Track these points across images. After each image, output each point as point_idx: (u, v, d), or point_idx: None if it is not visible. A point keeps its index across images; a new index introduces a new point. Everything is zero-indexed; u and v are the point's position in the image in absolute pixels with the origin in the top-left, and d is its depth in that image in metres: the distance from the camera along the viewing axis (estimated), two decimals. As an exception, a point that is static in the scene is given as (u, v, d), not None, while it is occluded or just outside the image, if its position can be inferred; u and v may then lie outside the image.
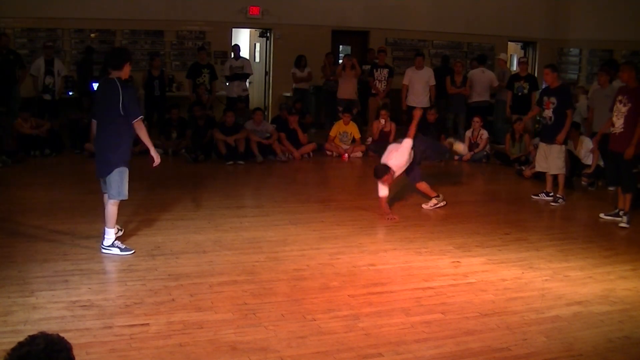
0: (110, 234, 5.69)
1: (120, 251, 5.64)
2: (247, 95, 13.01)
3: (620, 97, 7.30)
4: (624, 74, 7.33)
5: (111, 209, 5.69)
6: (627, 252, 6.37)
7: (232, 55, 12.83)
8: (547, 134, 8.26)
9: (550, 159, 8.21)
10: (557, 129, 8.09)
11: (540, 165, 8.46)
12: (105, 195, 5.75)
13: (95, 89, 6.10)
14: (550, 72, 8.30)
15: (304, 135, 11.14)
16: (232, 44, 13.25)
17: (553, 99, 8.13)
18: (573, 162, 9.19)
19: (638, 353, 4.20)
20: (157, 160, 5.86)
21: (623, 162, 7.25)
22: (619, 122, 7.26)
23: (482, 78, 12.20)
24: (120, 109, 5.55)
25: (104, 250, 5.65)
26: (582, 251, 6.28)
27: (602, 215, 7.57)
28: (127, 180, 5.71)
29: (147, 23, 13.39)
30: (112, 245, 5.66)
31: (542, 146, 8.39)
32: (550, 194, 8.32)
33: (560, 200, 8.17)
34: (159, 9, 13.32)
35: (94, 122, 5.86)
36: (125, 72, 5.74)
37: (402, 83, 12.02)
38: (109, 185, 5.67)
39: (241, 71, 12.61)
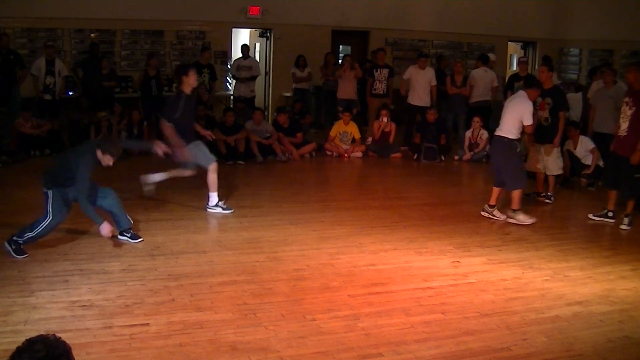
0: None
1: (223, 210, 7.15)
2: (254, 97, 13.05)
3: (626, 99, 7.16)
4: (630, 75, 7.10)
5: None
6: (627, 252, 6.37)
7: (241, 55, 12.85)
8: (543, 135, 8.09)
9: (550, 161, 8.15)
10: (554, 130, 8.01)
11: (530, 166, 8.30)
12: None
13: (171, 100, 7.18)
14: (545, 71, 8.06)
15: (299, 134, 11.12)
16: (242, 44, 13.31)
17: (549, 100, 7.98)
18: (573, 162, 9.19)
19: (638, 353, 4.20)
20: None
21: (625, 167, 7.15)
22: (624, 125, 7.15)
23: (485, 77, 12.20)
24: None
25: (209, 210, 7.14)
26: (582, 251, 6.28)
27: (590, 215, 7.55)
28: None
29: (147, 23, 13.38)
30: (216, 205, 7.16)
31: (537, 146, 8.24)
32: (542, 194, 8.31)
33: (550, 199, 8.22)
34: (159, 9, 13.31)
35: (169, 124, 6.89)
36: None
37: (402, 77, 12.01)
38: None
39: (249, 70, 12.63)
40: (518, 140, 7.37)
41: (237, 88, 12.74)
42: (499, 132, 7.29)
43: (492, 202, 7.38)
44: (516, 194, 7.21)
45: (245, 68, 12.64)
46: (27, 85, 11.23)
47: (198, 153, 7.13)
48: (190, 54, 13.62)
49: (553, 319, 4.62)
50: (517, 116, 7.17)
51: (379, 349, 4.05)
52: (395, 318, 4.53)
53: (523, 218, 7.20)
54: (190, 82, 7.05)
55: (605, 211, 7.47)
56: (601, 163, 9.01)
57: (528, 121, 7.17)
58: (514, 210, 7.23)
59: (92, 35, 13.02)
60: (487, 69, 12.31)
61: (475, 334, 4.32)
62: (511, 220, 7.21)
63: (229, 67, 13.69)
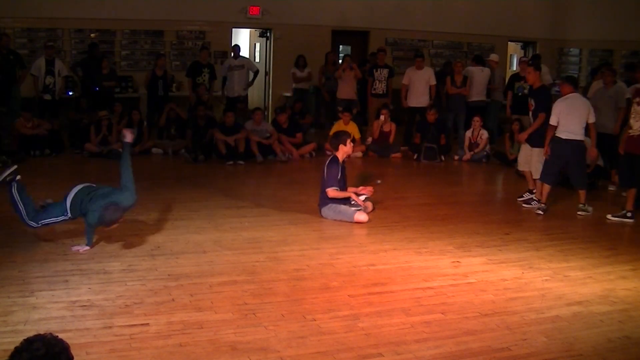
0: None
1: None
2: (247, 95, 12.95)
3: (637, 99, 7.24)
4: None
5: None
6: (627, 252, 6.36)
7: (232, 55, 12.83)
8: (529, 137, 8.01)
9: (532, 163, 8.01)
10: (536, 131, 7.85)
11: (521, 165, 8.30)
12: None
13: None
14: (532, 71, 7.95)
15: (299, 134, 11.11)
16: (232, 44, 13.25)
17: (532, 101, 7.94)
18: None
19: (638, 353, 4.20)
20: None
21: (638, 165, 7.21)
22: (637, 125, 7.21)
23: (480, 77, 12.20)
24: None
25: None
26: (582, 251, 6.28)
27: (609, 216, 7.54)
28: None
29: (147, 23, 13.40)
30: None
31: (525, 147, 8.17)
32: (534, 191, 8.09)
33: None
34: (159, 9, 13.32)
35: None
36: None
37: (402, 83, 12.03)
38: None
39: (242, 69, 12.53)
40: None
41: (230, 87, 12.59)
42: (578, 138, 7.45)
43: (544, 200, 7.66)
44: (584, 191, 7.67)
45: (237, 67, 12.51)
46: (27, 85, 11.24)
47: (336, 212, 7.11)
48: (190, 54, 13.63)
49: (553, 319, 4.62)
50: (584, 118, 7.46)
51: (379, 349, 4.05)
52: (395, 318, 4.53)
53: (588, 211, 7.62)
54: (346, 149, 7.30)
55: (625, 211, 7.45)
56: (601, 163, 9.01)
57: (593, 118, 7.54)
58: (583, 204, 7.62)
59: (92, 35, 13.04)
60: (483, 69, 12.31)
61: (475, 334, 4.32)
62: (581, 213, 7.63)
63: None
